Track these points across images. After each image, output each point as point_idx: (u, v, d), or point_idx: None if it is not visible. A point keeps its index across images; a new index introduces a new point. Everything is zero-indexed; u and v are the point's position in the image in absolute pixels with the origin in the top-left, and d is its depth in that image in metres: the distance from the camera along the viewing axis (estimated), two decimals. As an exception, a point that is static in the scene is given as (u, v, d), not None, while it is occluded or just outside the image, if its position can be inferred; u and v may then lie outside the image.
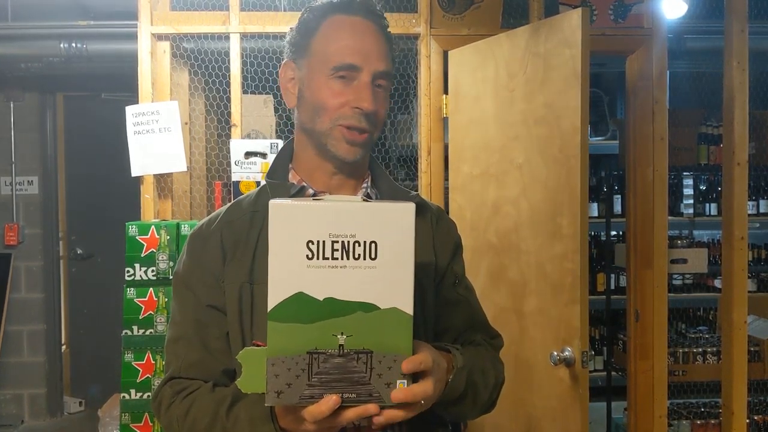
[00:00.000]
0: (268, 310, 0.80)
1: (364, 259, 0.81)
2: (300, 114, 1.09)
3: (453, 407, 1.00)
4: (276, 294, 0.80)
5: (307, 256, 0.80)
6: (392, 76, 1.08)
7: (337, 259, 0.80)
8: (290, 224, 0.80)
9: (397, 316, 0.82)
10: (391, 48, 1.08)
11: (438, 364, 0.89)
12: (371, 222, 0.81)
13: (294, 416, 0.86)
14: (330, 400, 0.80)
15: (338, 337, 0.81)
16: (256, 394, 0.91)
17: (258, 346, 0.84)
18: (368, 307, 0.81)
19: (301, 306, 0.80)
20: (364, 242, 0.81)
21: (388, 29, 1.09)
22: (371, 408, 0.82)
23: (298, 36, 1.08)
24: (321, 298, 0.80)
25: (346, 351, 0.81)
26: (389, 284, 0.81)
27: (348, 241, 0.80)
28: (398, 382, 0.83)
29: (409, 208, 0.82)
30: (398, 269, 0.82)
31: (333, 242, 0.80)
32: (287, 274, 0.80)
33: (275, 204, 0.80)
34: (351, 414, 0.82)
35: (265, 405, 0.83)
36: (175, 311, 1.08)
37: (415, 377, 0.85)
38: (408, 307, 0.82)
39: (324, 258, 0.80)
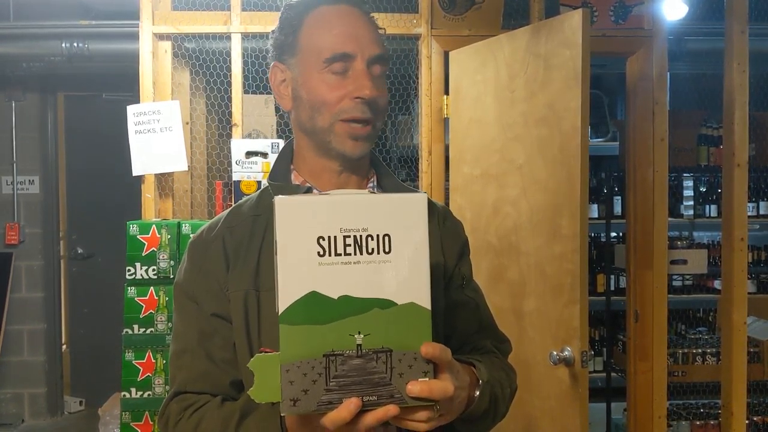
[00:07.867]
0: (279, 312, 0.75)
1: (378, 253, 0.77)
2: (298, 115, 1.03)
3: (476, 423, 0.96)
4: (287, 295, 0.75)
5: (318, 252, 0.75)
6: (387, 60, 1.02)
7: (350, 254, 0.76)
8: (298, 221, 0.76)
9: (415, 311, 0.78)
10: (379, 34, 1.04)
11: (458, 371, 0.85)
12: (383, 214, 0.77)
13: (308, 427, 0.80)
14: (351, 404, 0.74)
15: (355, 336, 0.76)
16: (266, 406, 0.86)
17: (266, 353, 0.79)
18: (385, 304, 0.77)
19: (314, 306, 0.75)
20: (377, 236, 0.77)
21: (372, 16, 1.05)
22: (391, 410, 0.76)
23: (282, 36, 1.04)
24: (336, 297, 0.76)
25: (364, 351, 0.76)
26: (405, 278, 0.77)
27: (360, 236, 0.76)
28: (420, 380, 0.78)
29: (421, 198, 0.79)
30: (413, 262, 0.78)
31: (345, 237, 0.76)
32: (298, 274, 0.75)
33: (281, 200, 0.76)
34: (370, 419, 0.76)
35: (281, 415, 0.77)
36: (177, 323, 1.03)
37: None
38: (426, 301, 0.78)
39: (336, 254, 0.76)
